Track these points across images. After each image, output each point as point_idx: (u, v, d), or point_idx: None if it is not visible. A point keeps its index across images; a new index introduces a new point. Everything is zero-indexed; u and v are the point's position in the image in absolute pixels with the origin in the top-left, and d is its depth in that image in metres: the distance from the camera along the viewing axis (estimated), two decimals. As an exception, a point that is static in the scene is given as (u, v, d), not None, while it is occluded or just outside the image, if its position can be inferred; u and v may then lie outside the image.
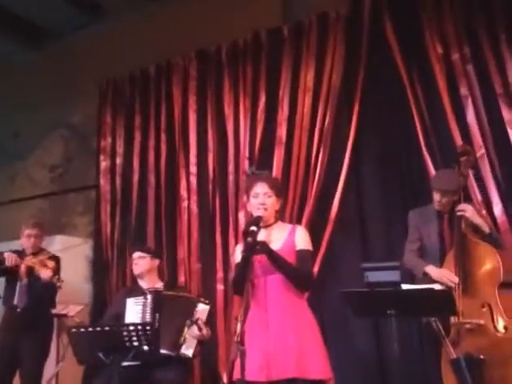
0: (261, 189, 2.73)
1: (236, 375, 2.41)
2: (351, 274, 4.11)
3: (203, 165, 5.01)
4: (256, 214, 2.68)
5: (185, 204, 5.01)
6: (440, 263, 3.20)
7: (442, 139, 4.03)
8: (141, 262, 3.90)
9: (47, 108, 6.03)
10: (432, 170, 3.96)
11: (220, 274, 4.73)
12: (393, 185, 4.23)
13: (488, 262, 3.02)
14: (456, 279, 2.99)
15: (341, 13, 4.57)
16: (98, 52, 5.79)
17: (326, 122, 4.44)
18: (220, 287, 4.70)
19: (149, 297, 3.55)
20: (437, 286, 2.78)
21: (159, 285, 3.94)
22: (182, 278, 4.91)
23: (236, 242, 4.67)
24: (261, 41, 4.89)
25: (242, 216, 4.68)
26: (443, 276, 3.03)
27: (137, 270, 3.91)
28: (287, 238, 2.70)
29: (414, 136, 4.12)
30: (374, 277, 2.46)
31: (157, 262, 3.99)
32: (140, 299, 3.57)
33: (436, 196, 3.32)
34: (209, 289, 4.72)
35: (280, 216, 2.87)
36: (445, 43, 4.10)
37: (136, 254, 3.95)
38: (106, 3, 5.77)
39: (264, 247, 2.54)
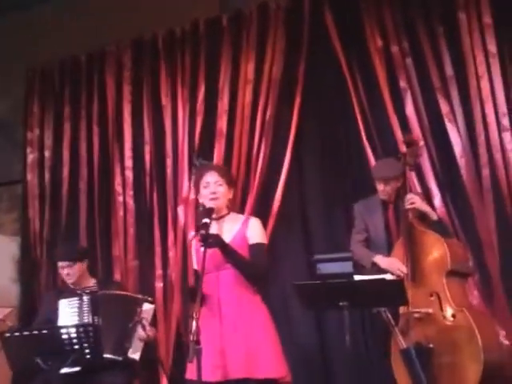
0: (211, 178, 2.62)
1: (189, 375, 2.29)
2: (294, 266, 4.10)
3: (139, 158, 4.81)
4: (208, 204, 2.55)
5: (120, 199, 4.79)
6: (387, 253, 3.21)
7: (381, 130, 4.06)
8: (71, 271, 3.59)
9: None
10: (372, 161, 3.98)
11: (159, 271, 4.56)
12: (334, 176, 4.23)
13: (435, 251, 3.02)
14: (404, 268, 3.01)
15: (281, 3, 4.51)
16: (26, 37, 5.41)
17: (268, 114, 4.37)
18: (159, 285, 4.53)
19: (85, 298, 3.31)
20: (388, 276, 2.78)
21: (92, 282, 3.71)
22: (117, 276, 4.70)
23: (175, 238, 4.53)
24: (199, 30, 4.74)
25: (180, 210, 4.54)
26: (392, 265, 3.04)
27: (70, 279, 3.60)
28: (239, 229, 2.60)
29: (354, 127, 4.13)
30: (326, 268, 2.41)
31: (86, 262, 3.73)
32: (75, 300, 3.32)
33: (379, 186, 3.34)
34: (147, 287, 4.54)
35: (232, 206, 2.75)
36: (384, 36, 4.14)
37: (63, 264, 3.62)
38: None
39: (217, 240, 2.43)
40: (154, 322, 3.40)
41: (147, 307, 3.32)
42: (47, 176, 5.08)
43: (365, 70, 4.16)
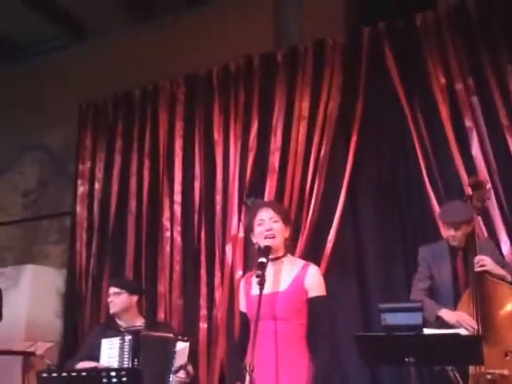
0: (266, 214, 2.41)
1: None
2: (348, 315, 3.84)
3: (188, 193, 4.72)
4: (263, 243, 2.35)
5: (167, 234, 4.69)
6: (454, 305, 2.94)
7: (445, 172, 3.84)
8: (116, 300, 3.52)
9: (21, 129, 5.69)
10: (434, 204, 3.76)
11: (203, 312, 4.39)
12: (392, 219, 4.00)
13: (510, 305, 2.75)
14: (475, 324, 2.73)
15: (338, 40, 4.41)
16: (80, 73, 5.52)
17: (322, 152, 4.22)
18: (203, 325, 4.35)
19: (127, 338, 3.17)
20: (462, 331, 2.51)
21: (140, 322, 3.59)
22: (161, 315, 4.55)
23: (222, 277, 4.37)
24: (253, 65, 4.68)
25: (228, 249, 4.39)
26: (460, 320, 2.76)
27: (112, 308, 3.53)
28: (297, 275, 2.35)
29: (415, 168, 3.92)
30: (392, 319, 2.17)
31: (135, 297, 3.62)
32: (116, 341, 3.19)
33: (449, 231, 3.07)
34: (191, 327, 4.37)
35: (290, 247, 2.53)
36: (447, 73, 3.96)
37: (111, 290, 3.58)
38: (91, 23, 5.53)
39: None
40: (190, 360, 3.20)
41: (181, 346, 3.14)
42: (96, 208, 5.04)
43: (427, 108, 3.97)
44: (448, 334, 2.31)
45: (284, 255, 2.42)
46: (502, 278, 2.93)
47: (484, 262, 2.93)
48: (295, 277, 2.33)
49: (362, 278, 3.98)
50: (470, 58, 3.91)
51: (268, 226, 2.37)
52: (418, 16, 4.15)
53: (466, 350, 2.21)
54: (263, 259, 2.18)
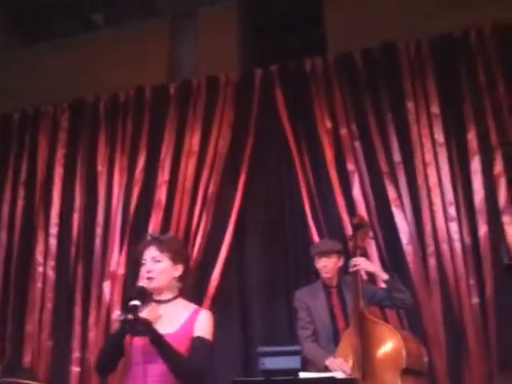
0: (148, 254, 2.22)
1: None
2: (229, 358, 3.72)
3: (66, 226, 4.43)
4: (137, 284, 2.16)
5: (40, 269, 4.34)
6: (334, 343, 2.94)
7: (328, 212, 3.92)
8: None
9: None
10: (317, 243, 3.79)
11: (76, 354, 4.07)
12: (277, 259, 4.00)
13: (389, 345, 2.74)
14: (347, 369, 2.72)
15: (231, 77, 4.43)
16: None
17: (210, 188, 4.17)
18: (75, 369, 4.03)
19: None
20: (339, 374, 2.47)
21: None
22: (27, 358, 4.15)
23: (98, 317, 4.09)
24: (145, 96, 4.57)
25: (106, 287, 4.13)
26: (336, 367, 2.75)
27: None
28: (188, 319, 2.16)
29: (300, 210, 3.97)
30: (271, 363, 2.08)
31: None
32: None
33: (320, 262, 3.14)
34: (60, 371, 4.02)
35: (183, 290, 2.25)
36: (333, 118, 4.09)
37: None
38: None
39: (148, 328, 2.03)
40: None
41: None
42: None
43: (313, 150, 4.07)
44: (324, 378, 2.26)
45: (175, 297, 2.23)
46: (376, 274, 3.10)
47: (357, 261, 3.02)
48: (186, 319, 2.16)
49: (245, 319, 3.91)
50: (355, 105, 4.07)
51: (149, 266, 2.20)
52: (307, 61, 4.28)
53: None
54: (136, 302, 2.01)
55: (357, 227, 3.20)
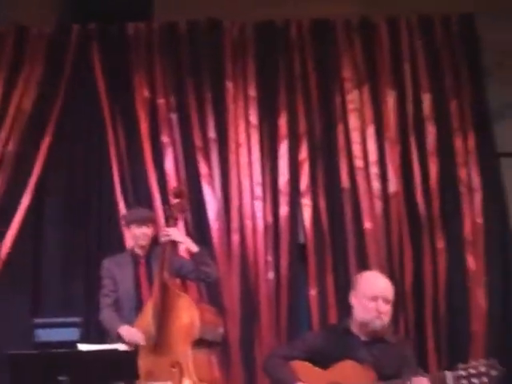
0: None
1: None
2: (19, 330, 3.44)
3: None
4: None
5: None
6: (136, 313, 2.90)
7: (138, 184, 3.81)
8: None
9: None
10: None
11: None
12: (79, 231, 3.79)
13: (185, 316, 2.78)
14: (140, 339, 2.69)
15: (44, 31, 4.05)
16: None
17: (8, 148, 3.79)
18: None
19: None
20: (122, 346, 2.40)
21: None
22: None
23: None
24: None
25: None
26: (132, 337, 2.73)
27: None
28: None
29: (108, 178, 3.81)
30: (46, 335, 1.94)
31: None
32: None
33: (136, 231, 3.09)
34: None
35: None
36: (152, 87, 3.96)
37: None
38: None
39: None
40: None
41: None
42: None
43: (128, 118, 3.91)
44: (104, 350, 2.18)
45: None
46: (187, 246, 3.16)
47: (169, 232, 3.04)
48: None
49: (37, 289, 3.67)
50: (175, 77, 3.98)
51: None
52: (130, 25, 4.09)
53: (122, 365, 2.11)
54: None
55: (175, 197, 3.19)
